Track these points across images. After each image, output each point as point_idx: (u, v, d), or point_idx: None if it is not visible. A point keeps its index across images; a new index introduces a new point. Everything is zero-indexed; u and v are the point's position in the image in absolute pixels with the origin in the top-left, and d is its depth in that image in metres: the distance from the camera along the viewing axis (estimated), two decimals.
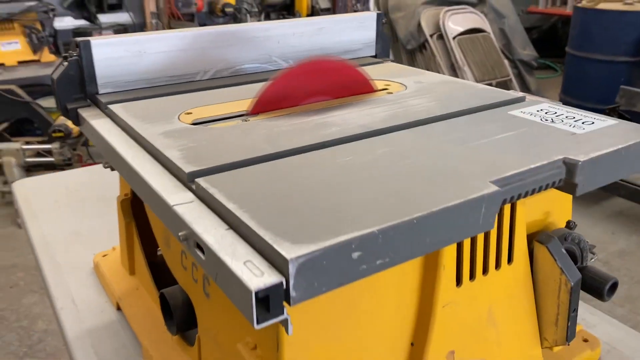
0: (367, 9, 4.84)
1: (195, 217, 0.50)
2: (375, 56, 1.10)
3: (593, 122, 0.69)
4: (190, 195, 0.54)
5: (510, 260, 0.66)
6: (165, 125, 0.70)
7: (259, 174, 0.56)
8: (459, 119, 0.72)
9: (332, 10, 4.89)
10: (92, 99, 0.84)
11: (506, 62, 4.62)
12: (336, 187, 0.53)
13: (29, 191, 1.37)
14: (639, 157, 0.64)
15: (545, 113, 0.72)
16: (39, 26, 3.81)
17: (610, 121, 0.69)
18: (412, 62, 4.89)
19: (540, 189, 0.57)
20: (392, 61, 1.09)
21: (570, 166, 0.58)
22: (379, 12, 1.09)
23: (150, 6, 4.21)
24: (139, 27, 4.24)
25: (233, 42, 0.93)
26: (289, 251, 0.41)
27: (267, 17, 4.88)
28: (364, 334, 0.59)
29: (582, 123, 0.68)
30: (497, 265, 0.65)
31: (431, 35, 4.52)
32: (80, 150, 3.33)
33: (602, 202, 3.35)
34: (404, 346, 0.63)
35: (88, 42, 0.81)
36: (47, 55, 3.78)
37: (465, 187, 0.51)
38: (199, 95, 0.84)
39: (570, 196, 0.74)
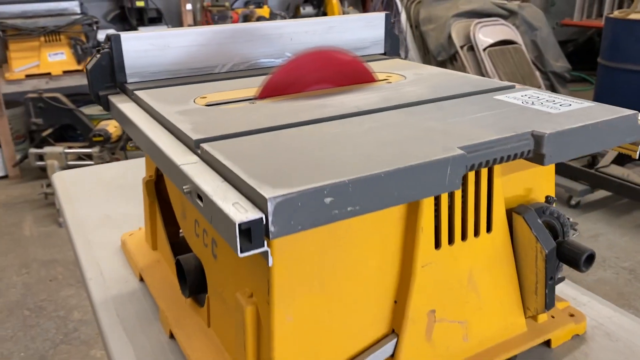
0: (398, 22, 4.91)
1: (197, 173, 0.58)
2: (384, 54, 1.17)
3: (570, 105, 0.74)
4: (195, 158, 0.63)
5: (489, 229, 0.72)
6: (181, 106, 0.79)
7: (256, 141, 0.64)
8: (445, 102, 0.78)
9: None
10: (121, 87, 0.94)
11: (537, 73, 4.62)
12: (320, 150, 0.60)
13: (67, 181, 1.48)
14: (610, 135, 0.69)
15: (529, 97, 0.78)
16: (83, 38, 4.03)
17: (587, 104, 0.74)
18: None
19: (509, 158, 0.63)
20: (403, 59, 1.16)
21: (537, 138, 0.64)
22: (387, 12, 1.16)
23: (187, 19, 4.39)
24: None
25: (249, 39, 1.02)
26: (268, 192, 0.49)
27: None
28: (350, 289, 0.66)
29: (560, 105, 0.74)
30: (476, 232, 0.71)
31: (462, 47, 4.56)
32: (119, 154, 3.49)
33: (633, 212, 3.31)
34: (388, 303, 0.69)
35: (118, 36, 0.91)
36: None
37: (433, 151, 0.57)
38: (215, 84, 0.93)
39: (553, 174, 0.80)
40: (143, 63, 0.94)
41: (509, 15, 4.86)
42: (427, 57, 4.98)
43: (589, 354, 0.80)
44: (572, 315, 0.85)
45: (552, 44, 4.97)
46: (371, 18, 1.14)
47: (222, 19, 4.46)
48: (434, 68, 1.01)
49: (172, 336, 0.84)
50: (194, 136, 0.65)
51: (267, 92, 0.83)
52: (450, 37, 4.62)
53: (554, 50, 4.96)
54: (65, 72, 3.94)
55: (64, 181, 1.50)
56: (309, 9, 4.93)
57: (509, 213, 0.74)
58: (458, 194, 0.68)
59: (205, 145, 0.62)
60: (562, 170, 3.34)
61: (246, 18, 4.54)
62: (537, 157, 0.65)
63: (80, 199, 1.37)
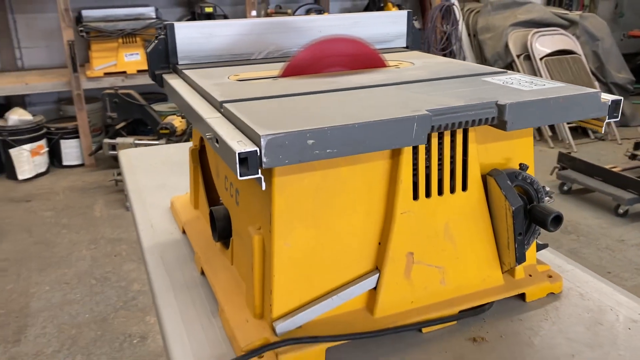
0: (456, 30, 4.98)
1: (217, 124, 0.74)
2: (407, 47, 1.31)
3: (544, 85, 0.85)
4: (218, 114, 0.79)
5: (465, 188, 0.84)
6: (216, 80, 0.96)
7: (267, 103, 0.80)
8: (437, 81, 0.91)
9: (422, 31, 5.08)
10: (174, 68, 1.12)
11: (597, 84, 4.55)
12: (314, 109, 0.75)
13: (131, 157, 1.71)
14: (572, 109, 0.80)
15: (511, 80, 0.90)
16: None
17: (559, 84, 0.85)
18: None
19: (474, 123, 0.75)
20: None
21: (500, 107, 0.76)
22: (409, 10, 1.30)
23: None
24: None
25: (283, 30, 1.19)
26: (262, 131, 0.64)
27: None
28: (340, 229, 0.80)
29: (534, 85, 0.85)
30: (452, 190, 0.84)
31: (518, 56, 4.57)
32: None
33: None
34: (373, 244, 0.83)
35: (172, 25, 1.10)
36: None
37: (404, 111, 0.71)
38: (250, 67, 1.10)
39: (531, 147, 0.91)
40: (192, 48, 1.13)
41: (569, 25, 4.82)
42: (485, 65, 5.02)
43: (559, 308, 0.90)
44: (550, 277, 0.95)
45: (614, 55, 4.88)
46: (394, 15, 1.28)
47: None
48: (442, 58, 1.13)
49: (202, 273, 1.01)
50: (220, 98, 0.82)
51: (289, 72, 0.99)
52: (507, 46, 4.64)
53: (617, 62, 4.87)
54: (139, 71, 4.28)
55: (128, 157, 1.72)
56: None
57: (486, 177, 0.86)
58: (435, 155, 0.81)
59: (226, 104, 0.79)
60: (610, 178, 3.31)
61: None
62: (500, 124, 0.77)
63: (140, 171, 1.58)
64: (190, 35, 1.12)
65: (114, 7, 4.51)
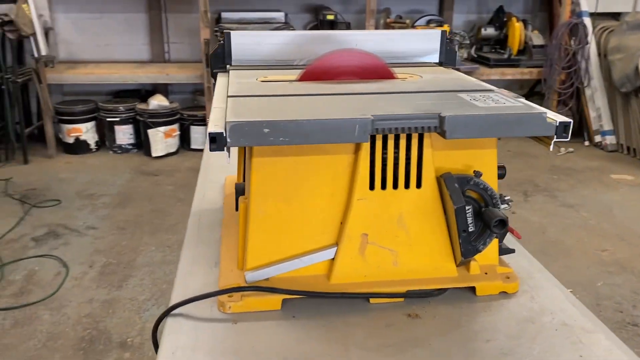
0: (583, 49, 4.77)
1: (214, 111, 0.97)
2: (440, 64, 1.44)
3: (504, 103, 0.97)
4: (223, 105, 1.02)
5: (419, 185, 0.98)
6: (245, 79, 1.19)
7: (261, 99, 1.01)
8: (419, 94, 1.06)
9: (546, 47, 4.93)
10: (227, 69, 1.38)
11: None
12: (290, 107, 0.95)
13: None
14: (517, 125, 0.91)
15: (482, 96, 1.02)
16: None
17: (519, 103, 0.96)
18: (626, 106, 4.65)
19: (417, 130, 0.90)
20: (457, 69, 1.42)
21: (441, 118, 0.89)
22: (443, 29, 1.43)
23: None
24: None
25: (322, 42, 1.38)
26: (229, 118, 0.85)
27: (479, 50, 5.16)
28: (308, 206, 0.99)
29: (494, 102, 0.97)
30: (407, 186, 0.98)
31: None
32: None
33: None
34: (336, 223, 1.00)
35: (229, 33, 1.35)
36: None
37: (354, 114, 0.88)
38: (285, 71, 1.31)
39: (494, 157, 1.02)
40: (244, 53, 1.37)
41: None
42: (611, 87, 4.74)
43: (504, 305, 1.00)
44: (507, 278, 1.05)
45: None
46: (429, 34, 1.42)
47: None
48: (454, 73, 1.26)
49: None
50: (230, 93, 1.04)
51: (305, 77, 1.19)
52: (637, 68, 4.36)
53: None
54: None
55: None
56: (490, 30, 5.05)
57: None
58: (390, 155, 0.97)
59: (230, 97, 1.01)
60: None
61: None
62: (442, 132, 0.90)
63: (214, 156, 1.87)
64: (243, 42, 1.36)
65: (250, 10, 4.99)
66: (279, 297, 0.97)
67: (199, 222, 1.35)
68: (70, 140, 4.77)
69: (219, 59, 1.38)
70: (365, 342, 0.90)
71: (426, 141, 0.97)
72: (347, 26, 4.95)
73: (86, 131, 4.79)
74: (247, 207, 1.01)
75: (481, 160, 1.01)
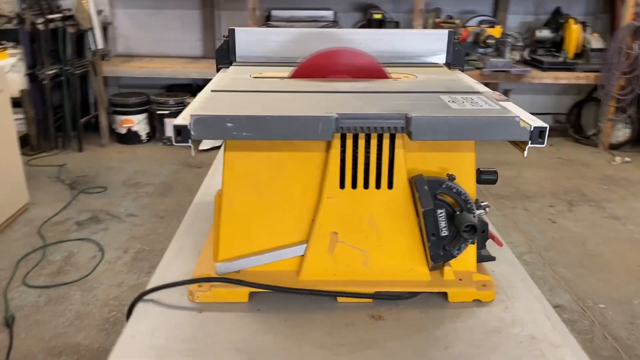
0: None
1: (191, 104, 0.99)
2: (448, 65, 1.41)
3: (482, 106, 0.94)
4: (204, 99, 1.04)
5: (390, 186, 0.97)
6: (239, 75, 1.21)
7: (238, 95, 1.02)
8: (403, 94, 1.04)
9: (605, 51, 4.71)
10: (231, 64, 1.40)
11: None
12: (261, 103, 0.96)
13: None
14: (487, 129, 0.88)
15: (463, 98, 0.99)
16: None
17: (497, 106, 0.93)
18: None
19: (382, 130, 0.89)
20: (462, 70, 1.39)
21: (408, 119, 0.88)
22: (450, 29, 1.40)
23: None
24: None
25: (326, 40, 1.39)
26: (195, 112, 0.87)
27: (533, 52, 4.98)
28: (279, 203, 1.00)
29: (472, 104, 0.94)
30: (378, 186, 0.97)
31: None
32: None
33: None
34: (307, 220, 1.01)
35: (234, 29, 1.38)
36: None
37: (320, 112, 0.88)
38: (284, 68, 1.32)
39: (472, 161, 1.00)
40: (248, 49, 1.39)
41: None
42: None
43: (475, 313, 0.97)
44: (483, 286, 1.02)
45: None
46: (436, 34, 1.39)
47: None
48: (455, 74, 1.23)
49: None
50: (213, 88, 1.07)
51: (297, 74, 1.20)
52: None
53: None
54: None
55: None
56: (545, 32, 4.87)
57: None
58: (361, 155, 0.96)
59: (212, 92, 1.03)
60: None
61: (476, 36, 4.74)
62: (408, 133, 0.89)
63: None
64: (248, 39, 1.39)
65: (300, 9, 5.03)
66: (246, 290, 0.99)
67: (197, 213, 1.38)
68: (123, 131, 4.97)
69: (224, 55, 1.41)
70: (321, 339, 0.90)
71: (398, 142, 0.96)
72: (396, 25, 4.90)
73: (138, 122, 4.98)
74: (220, 201, 1.03)
75: (457, 164, 0.99)
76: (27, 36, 4.34)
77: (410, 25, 4.84)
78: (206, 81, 1.20)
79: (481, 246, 1.05)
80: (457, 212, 0.96)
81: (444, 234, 0.97)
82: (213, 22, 5.33)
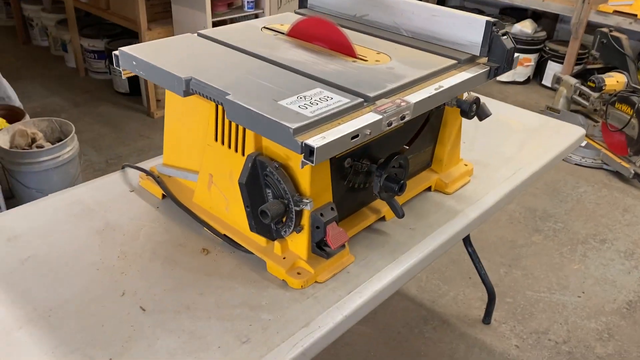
0: None
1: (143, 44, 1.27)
2: (472, 58, 1.25)
3: (328, 103, 0.95)
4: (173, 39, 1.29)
5: (244, 154, 1.09)
6: (264, 24, 1.39)
7: (206, 44, 1.24)
8: (310, 80, 1.08)
9: None
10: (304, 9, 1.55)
11: None
12: (181, 55, 1.17)
13: None
14: (268, 130, 0.92)
15: (328, 97, 0.99)
16: None
17: (313, 116, 0.93)
18: None
19: (210, 99, 1.02)
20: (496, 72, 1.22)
21: (225, 100, 0.98)
22: (488, 20, 1.20)
23: None
24: None
25: (377, 5, 1.38)
26: (126, 49, 1.17)
27: None
28: (191, 136, 1.23)
29: (318, 100, 0.96)
30: (236, 149, 1.10)
31: None
32: (600, 109, 3.44)
33: None
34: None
35: None
36: None
37: (186, 73, 1.06)
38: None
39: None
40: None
41: None
42: None
43: (280, 291, 1.06)
44: (298, 274, 1.07)
45: None
46: (473, 20, 1.23)
47: None
48: (430, 56, 1.17)
49: None
50: (203, 32, 1.30)
51: (291, 33, 1.31)
52: None
53: None
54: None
55: None
56: None
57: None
58: (227, 124, 1.09)
59: (199, 34, 1.28)
60: None
61: None
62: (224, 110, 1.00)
63: None
64: None
65: None
66: (159, 190, 1.30)
67: None
68: None
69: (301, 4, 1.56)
70: (153, 246, 1.16)
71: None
72: None
73: None
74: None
75: (297, 160, 1.02)
76: None
77: None
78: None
79: (317, 239, 1.06)
80: (274, 198, 1.03)
81: (262, 210, 1.05)
82: None
